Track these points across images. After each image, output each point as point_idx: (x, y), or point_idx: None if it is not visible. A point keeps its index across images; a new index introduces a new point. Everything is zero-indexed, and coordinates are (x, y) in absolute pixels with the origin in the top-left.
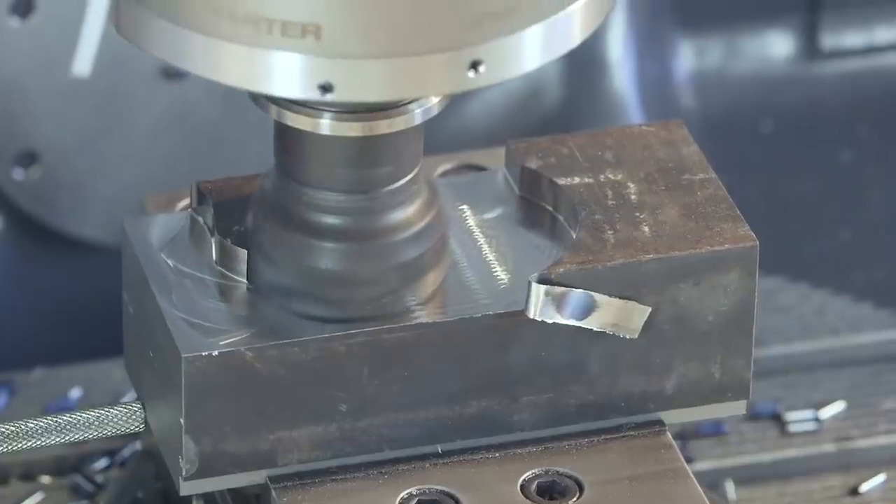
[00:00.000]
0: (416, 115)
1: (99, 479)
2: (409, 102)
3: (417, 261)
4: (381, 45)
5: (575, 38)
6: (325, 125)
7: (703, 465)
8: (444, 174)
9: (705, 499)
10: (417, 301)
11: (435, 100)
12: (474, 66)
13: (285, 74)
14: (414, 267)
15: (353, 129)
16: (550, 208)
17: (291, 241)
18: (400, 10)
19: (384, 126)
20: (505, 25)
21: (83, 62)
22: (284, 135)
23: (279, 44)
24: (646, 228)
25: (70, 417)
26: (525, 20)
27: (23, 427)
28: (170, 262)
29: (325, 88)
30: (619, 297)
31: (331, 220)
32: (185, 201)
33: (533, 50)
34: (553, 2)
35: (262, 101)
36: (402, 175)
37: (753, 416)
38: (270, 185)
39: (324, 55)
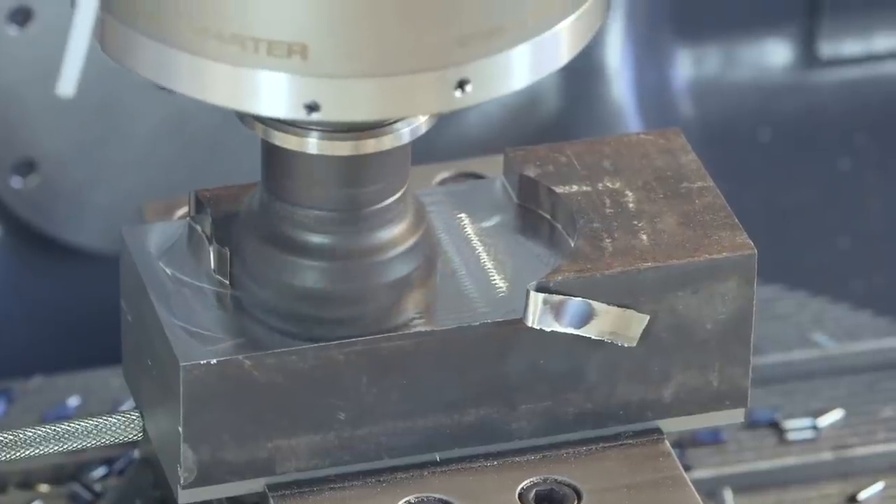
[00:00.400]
0: (404, 135)
1: (97, 487)
2: (397, 121)
3: (405, 280)
4: (368, 65)
5: (563, 57)
6: (312, 144)
7: (701, 474)
8: (443, 182)
9: None
10: (407, 318)
11: (423, 118)
12: (461, 85)
13: (271, 94)
14: (402, 286)
15: (340, 148)
16: (548, 216)
17: (278, 259)
18: (386, 29)
19: (371, 145)
20: (491, 45)
21: (67, 83)
22: (272, 154)
23: (265, 63)
24: (644, 237)
25: (68, 426)
26: (512, 39)
27: (21, 435)
28: (168, 270)
29: (312, 108)
30: (618, 306)
31: (318, 238)
32: (184, 209)
33: (520, 69)
34: (540, 21)
35: (249, 120)
36: (389, 194)
37: (752, 424)
38: (257, 204)
39: (310, 75)
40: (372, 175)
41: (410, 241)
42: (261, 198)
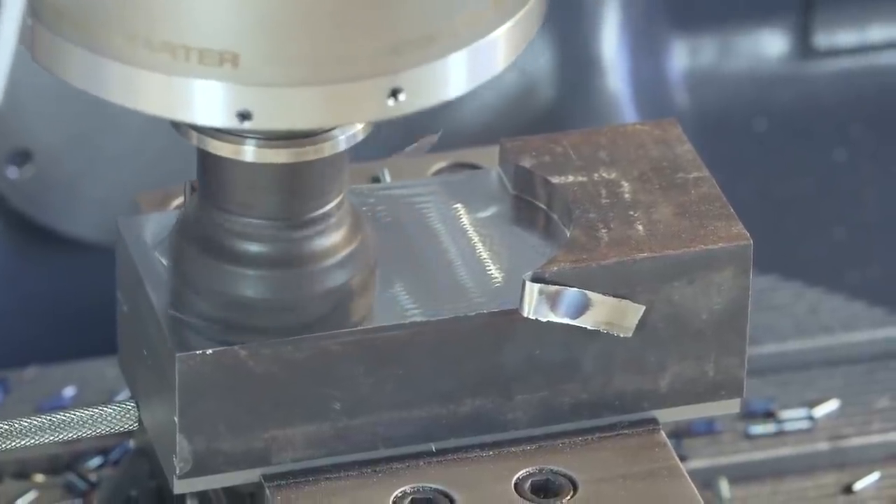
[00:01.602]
0: (340, 142)
1: (92, 477)
2: (333, 129)
3: (343, 287)
4: (299, 74)
5: (499, 64)
6: (247, 152)
7: (696, 464)
8: (438, 172)
9: (699, 497)
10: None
11: (359, 126)
12: (394, 94)
13: (204, 102)
14: (339, 294)
15: (274, 156)
16: (544, 207)
17: (214, 268)
18: (317, 39)
19: (309, 153)
20: (424, 53)
21: None
22: (206, 162)
23: (197, 72)
24: (640, 227)
25: (64, 416)
26: (445, 48)
27: (16, 425)
28: (164, 260)
29: (244, 116)
30: (613, 296)
31: (254, 247)
32: (179, 200)
33: (455, 77)
34: (474, 30)
35: (184, 128)
36: (325, 202)
37: (747, 414)
38: (193, 213)
39: (241, 83)
40: (307, 183)
41: (348, 250)
42: (197, 205)
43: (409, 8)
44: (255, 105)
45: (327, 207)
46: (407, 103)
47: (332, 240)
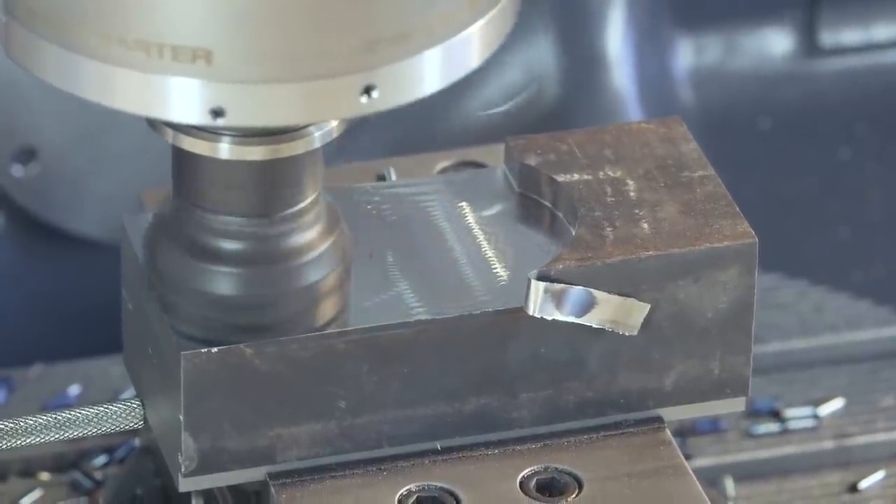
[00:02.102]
0: (315, 139)
1: (98, 475)
2: (308, 126)
3: (319, 285)
4: (272, 71)
5: (473, 61)
6: (221, 149)
7: (702, 462)
8: (443, 171)
9: (704, 495)
10: (322, 322)
11: (334, 123)
12: (367, 91)
13: (177, 99)
14: (315, 291)
15: (247, 153)
16: (549, 205)
17: (190, 266)
18: (290, 36)
19: (285, 150)
20: (398, 51)
21: None
22: (181, 159)
23: (170, 69)
24: (645, 225)
25: (69, 414)
26: (418, 45)
27: (21, 424)
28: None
29: (217, 113)
30: (619, 294)
31: (228, 244)
32: None
33: (429, 74)
34: (447, 27)
35: (159, 125)
36: (300, 199)
37: (752, 412)
38: (169, 210)
39: (215, 80)
40: (282, 179)
41: (323, 246)
42: (173, 203)
43: (384, 5)
44: (228, 102)
45: (303, 204)
46: (381, 100)
47: (308, 237)
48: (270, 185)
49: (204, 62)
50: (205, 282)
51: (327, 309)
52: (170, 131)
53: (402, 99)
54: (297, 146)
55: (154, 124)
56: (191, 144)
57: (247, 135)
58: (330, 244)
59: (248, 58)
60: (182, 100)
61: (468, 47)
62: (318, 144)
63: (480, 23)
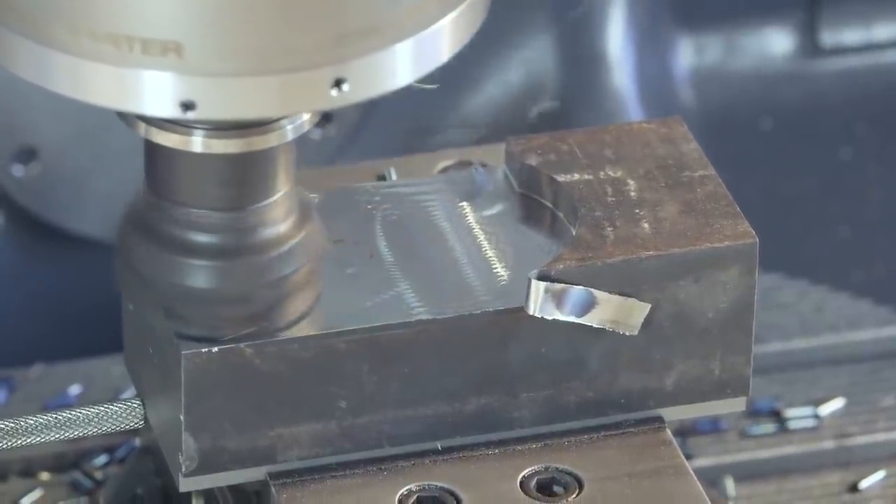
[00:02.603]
0: (288, 132)
1: (98, 475)
2: (280, 119)
3: (290, 277)
4: (242, 64)
5: (443, 55)
6: (193, 142)
7: (702, 462)
8: (444, 170)
9: (705, 495)
10: (292, 320)
11: (306, 116)
12: (337, 84)
13: (148, 93)
14: (287, 284)
15: (219, 146)
16: (550, 205)
17: (162, 259)
18: (260, 29)
19: (257, 143)
20: (368, 44)
21: None
22: (152, 152)
23: (141, 62)
24: (645, 225)
25: (69, 414)
26: (388, 39)
27: (22, 424)
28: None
29: (188, 106)
30: (619, 294)
31: (200, 237)
32: None
33: (399, 67)
34: (417, 20)
35: (131, 119)
36: (272, 193)
37: (753, 412)
38: (141, 204)
39: (185, 73)
40: (255, 173)
41: (295, 240)
42: (145, 197)
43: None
44: (198, 95)
45: (275, 197)
46: (350, 94)
47: (280, 229)
48: (241, 179)
49: (174, 55)
50: (177, 275)
51: (301, 301)
52: (142, 125)
53: (373, 92)
54: (270, 139)
55: (126, 118)
56: (163, 138)
57: (219, 128)
58: (303, 237)
59: (218, 51)
60: (153, 93)
61: (438, 41)
62: (290, 137)
63: (451, 16)
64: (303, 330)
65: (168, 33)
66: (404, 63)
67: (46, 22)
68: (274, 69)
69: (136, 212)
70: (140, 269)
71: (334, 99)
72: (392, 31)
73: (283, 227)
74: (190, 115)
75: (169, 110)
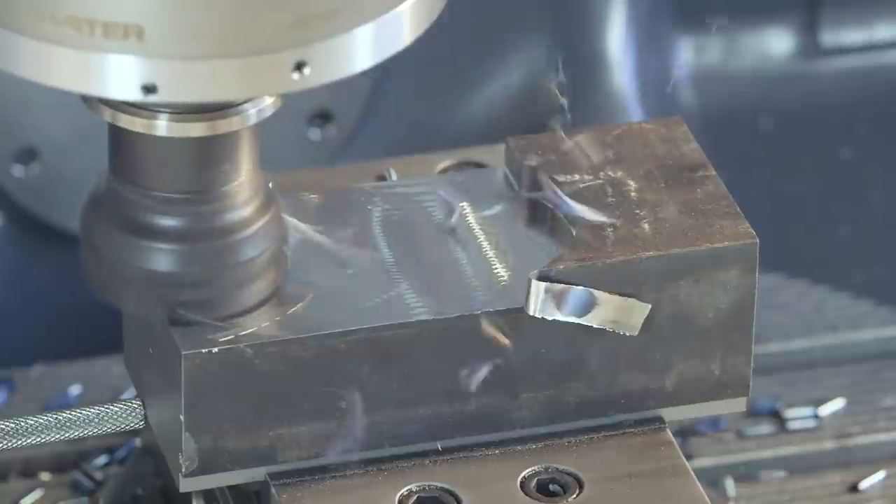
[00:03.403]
0: (251, 116)
1: (98, 476)
2: (243, 102)
3: (253, 262)
4: (203, 47)
5: (405, 38)
6: (156, 126)
7: (702, 462)
8: (445, 171)
9: (705, 496)
10: (250, 305)
11: (269, 100)
12: (299, 67)
13: (110, 76)
14: (249, 268)
15: (180, 129)
16: (550, 205)
17: (126, 242)
18: (221, 12)
19: (221, 126)
20: (329, 27)
21: None
22: (116, 136)
23: (102, 46)
24: (646, 225)
25: (69, 414)
26: (350, 22)
27: (22, 424)
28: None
29: (149, 89)
30: (619, 294)
31: (164, 220)
32: None
33: (360, 51)
34: (378, 4)
35: (94, 103)
36: (236, 177)
37: (753, 413)
38: (104, 187)
39: (147, 56)
40: (218, 156)
41: (258, 224)
42: (109, 180)
43: None
44: (160, 78)
45: (237, 181)
46: (312, 77)
47: (244, 213)
48: (204, 162)
49: (136, 39)
50: (141, 258)
51: (265, 284)
52: (107, 109)
53: (334, 75)
54: (233, 123)
55: (90, 102)
56: (127, 122)
57: (182, 111)
58: (267, 220)
59: (179, 34)
60: (115, 76)
61: (399, 25)
62: (253, 121)
63: (411, 0)
64: (299, 330)
65: (129, 16)
66: (365, 47)
67: (9, 6)
68: (235, 52)
69: (100, 195)
70: (104, 252)
71: (295, 82)
72: (353, 14)
73: (246, 211)
74: (152, 98)
75: (131, 93)
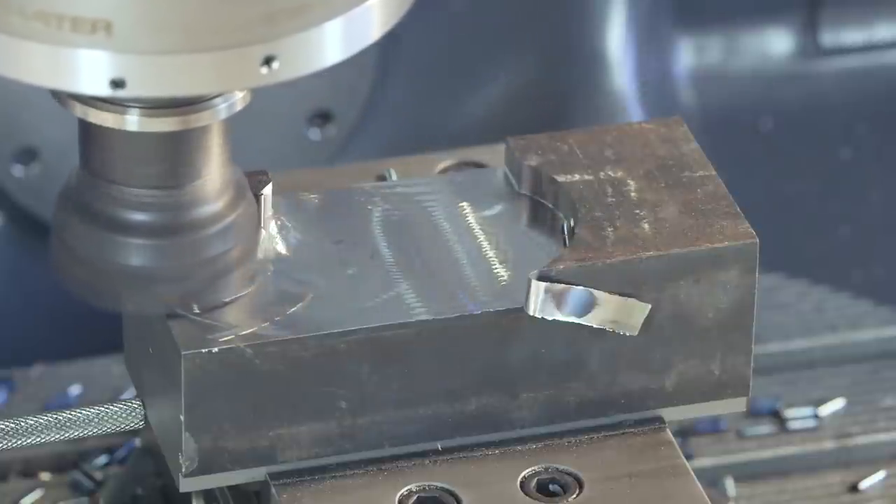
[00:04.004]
0: (221, 110)
1: (98, 476)
2: (214, 97)
3: (224, 256)
4: (172, 41)
5: (374, 33)
6: (127, 121)
7: (702, 462)
8: (444, 171)
9: (705, 496)
10: (226, 300)
11: (239, 94)
12: (267, 62)
13: (78, 71)
14: (221, 263)
15: (150, 124)
16: (550, 205)
17: (98, 237)
18: (189, 6)
19: (191, 121)
20: (298, 22)
21: None
22: (87, 131)
23: (70, 40)
24: (646, 225)
25: (69, 414)
26: (319, 16)
27: (22, 424)
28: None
29: (118, 84)
30: (619, 294)
31: (135, 216)
32: None
33: (329, 45)
34: None
35: (64, 98)
36: (206, 171)
37: (753, 413)
38: (75, 183)
39: (115, 51)
40: (188, 151)
41: (230, 218)
42: (80, 175)
43: None
44: (128, 73)
45: (209, 176)
46: (280, 72)
47: (216, 207)
48: (174, 157)
49: (104, 33)
50: (112, 253)
51: (238, 278)
52: (77, 104)
53: (303, 70)
54: (203, 118)
55: (60, 97)
56: (97, 117)
57: (152, 106)
58: (238, 215)
59: (148, 28)
60: (83, 71)
61: (369, 19)
62: (223, 116)
63: None
64: (299, 329)
65: (97, 11)
66: (334, 41)
67: None
68: (203, 47)
69: (71, 190)
70: (75, 247)
71: (265, 77)
72: (322, 8)
73: (218, 205)
74: (120, 92)
75: (100, 88)
